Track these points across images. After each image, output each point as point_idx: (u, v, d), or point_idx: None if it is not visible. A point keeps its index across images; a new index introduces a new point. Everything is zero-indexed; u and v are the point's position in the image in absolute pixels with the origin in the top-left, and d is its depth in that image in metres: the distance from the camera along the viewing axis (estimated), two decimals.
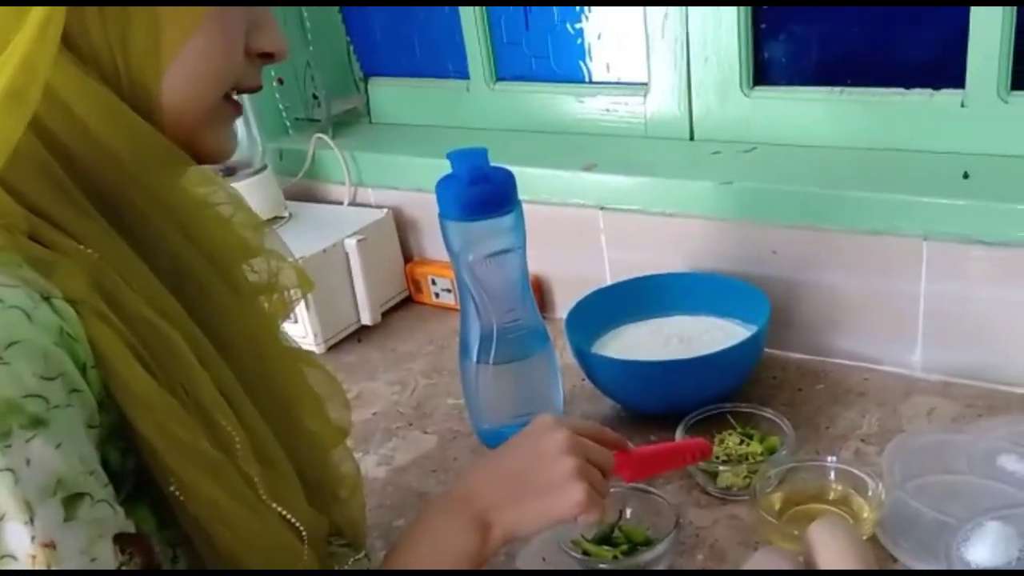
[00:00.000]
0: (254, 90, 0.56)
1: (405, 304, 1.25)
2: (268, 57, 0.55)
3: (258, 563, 0.52)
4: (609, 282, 1.07)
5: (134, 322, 0.48)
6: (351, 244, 1.14)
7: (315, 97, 1.28)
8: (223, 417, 0.51)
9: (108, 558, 0.45)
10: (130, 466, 0.49)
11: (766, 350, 0.98)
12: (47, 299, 0.45)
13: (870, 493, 0.74)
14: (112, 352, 0.46)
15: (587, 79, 1.18)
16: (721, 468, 0.80)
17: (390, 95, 1.33)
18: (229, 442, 0.51)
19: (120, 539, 0.46)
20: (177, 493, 0.48)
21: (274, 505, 0.54)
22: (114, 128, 0.48)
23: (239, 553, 0.51)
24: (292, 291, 0.67)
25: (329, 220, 1.21)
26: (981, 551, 0.67)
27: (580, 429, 0.64)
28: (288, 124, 1.34)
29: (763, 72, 1.06)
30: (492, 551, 0.60)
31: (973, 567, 0.66)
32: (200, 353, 0.52)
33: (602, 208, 1.07)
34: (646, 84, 1.12)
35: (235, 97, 0.55)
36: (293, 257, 0.68)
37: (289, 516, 0.55)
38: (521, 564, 0.77)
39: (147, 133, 0.50)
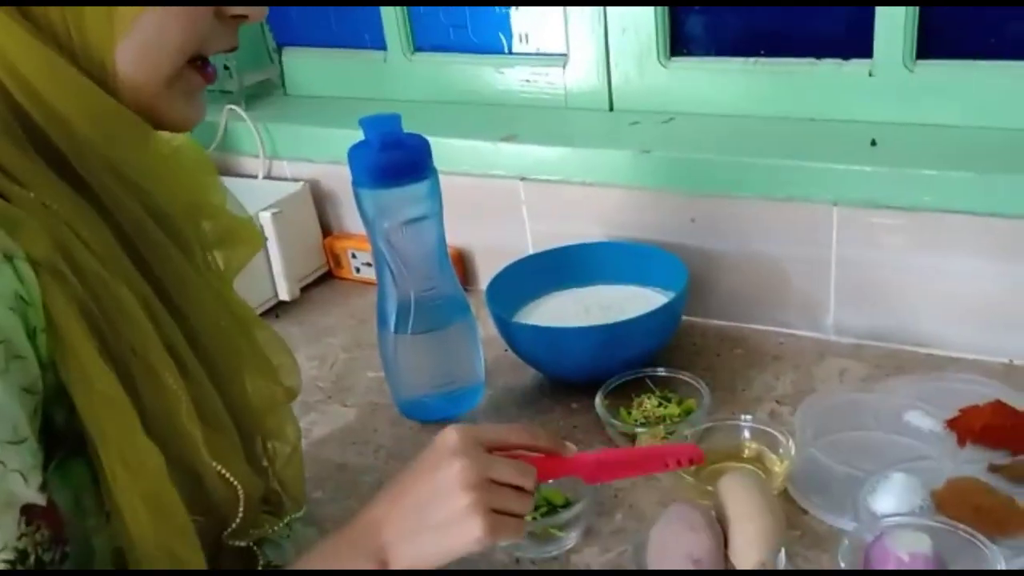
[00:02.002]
0: (229, 51, 0.56)
1: (325, 279, 1.23)
2: (242, 18, 0.54)
3: (181, 523, 0.53)
4: (531, 252, 1.07)
5: (89, 281, 0.49)
6: (266, 217, 1.11)
7: (226, 68, 1.24)
8: (171, 377, 0.53)
9: (10, 529, 0.45)
10: (76, 424, 0.49)
11: (687, 318, 0.99)
12: (10, 259, 0.45)
13: (781, 449, 0.75)
14: (63, 318, 0.47)
15: (506, 50, 1.17)
16: (639, 430, 0.81)
17: (305, 66, 1.30)
18: (176, 402, 0.53)
19: (28, 510, 0.46)
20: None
21: (215, 464, 0.56)
22: (63, 92, 0.49)
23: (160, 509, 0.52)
24: (244, 247, 0.69)
25: (243, 193, 1.13)
26: (887, 501, 0.69)
27: (498, 438, 0.59)
28: None
29: (680, 43, 1.07)
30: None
31: (879, 516, 0.67)
32: (152, 313, 0.53)
33: (522, 179, 1.07)
34: (565, 55, 1.12)
35: (209, 66, 0.55)
36: (247, 213, 0.70)
37: (229, 476, 0.57)
38: None
39: (102, 100, 0.50)
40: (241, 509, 0.59)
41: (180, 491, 0.52)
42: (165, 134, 0.58)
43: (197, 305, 0.59)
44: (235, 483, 0.58)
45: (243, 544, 0.61)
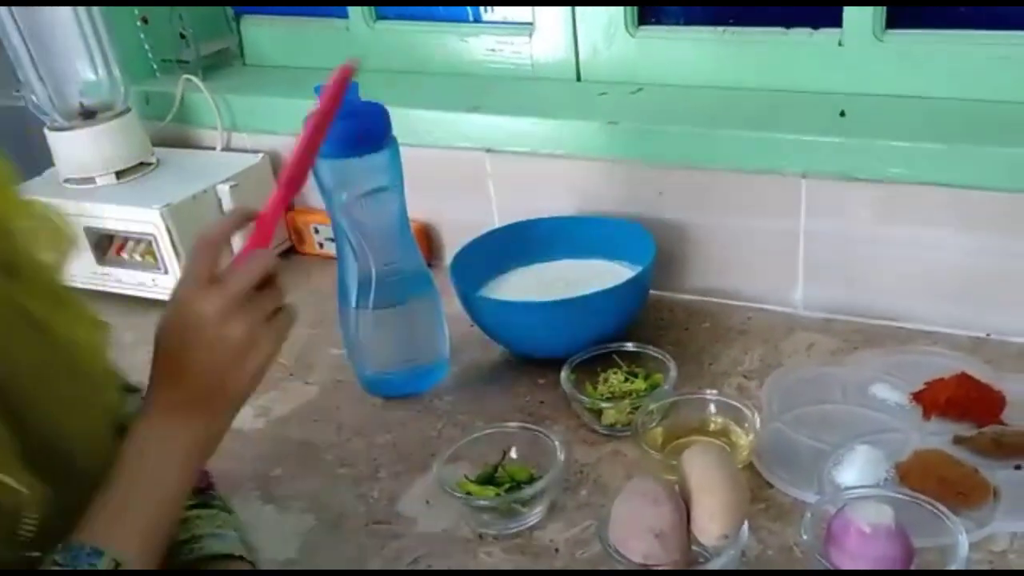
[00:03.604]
0: None
1: (287, 255, 1.20)
2: None
3: None
4: (498, 226, 1.05)
5: None
6: (224, 190, 1.08)
7: (183, 37, 1.20)
8: None
9: None
10: None
11: (655, 292, 0.98)
12: None
13: (747, 423, 0.74)
14: None
15: (471, 18, 1.14)
16: (605, 405, 0.80)
17: (264, 35, 1.26)
18: None
19: None
20: None
21: None
22: None
23: None
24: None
25: (200, 166, 1.14)
26: (851, 473, 0.69)
27: (211, 258, 0.58)
28: (155, 66, 1.25)
29: (648, 12, 1.05)
30: (223, 428, 0.58)
31: (843, 488, 0.67)
32: None
33: (488, 151, 1.05)
34: (531, 24, 1.09)
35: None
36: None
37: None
38: (403, 509, 0.75)
39: None
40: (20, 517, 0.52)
41: None
42: None
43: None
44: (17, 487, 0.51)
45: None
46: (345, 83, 0.65)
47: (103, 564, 0.51)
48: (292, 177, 0.63)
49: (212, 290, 0.57)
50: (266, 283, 0.59)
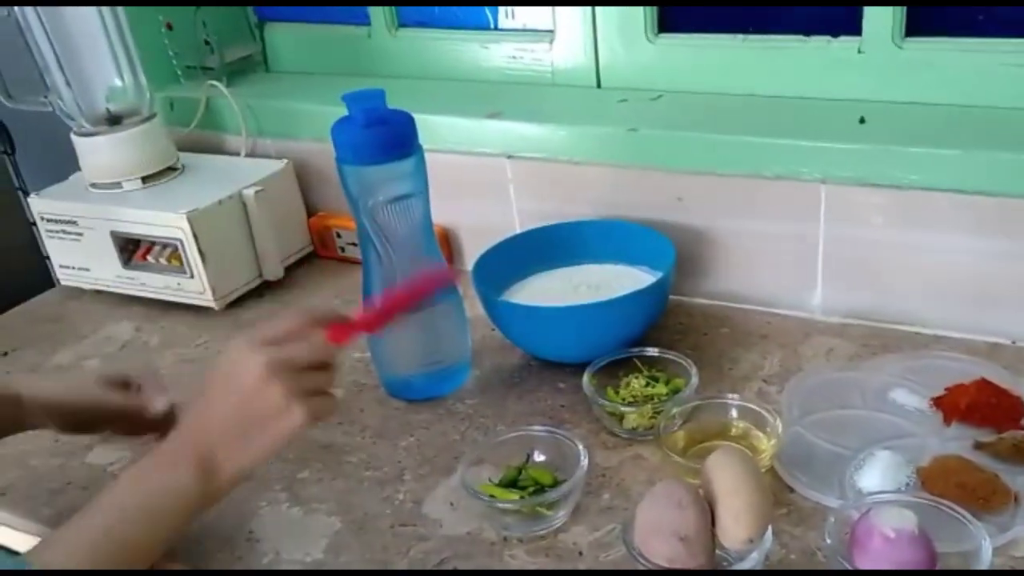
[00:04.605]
0: None
1: (309, 259, 1.21)
2: None
3: None
4: (518, 231, 1.06)
5: None
6: (249, 195, 1.09)
7: (207, 43, 1.22)
8: None
9: None
10: None
11: (674, 297, 0.99)
12: None
13: (768, 428, 0.75)
14: None
15: (492, 25, 1.15)
16: (626, 410, 0.81)
17: (288, 42, 1.28)
18: None
19: None
20: None
21: None
22: None
23: None
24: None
25: (225, 171, 1.16)
26: (873, 478, 0.69)
27: (280, 335, 0.62)
28: (179, 72, 1.27)
29: (668, 19, 1.06)
30: (224, 489, 0.61)
31: (865, 493, 0.68)
32: None
33: (509, 156, 1.06)
34: (552, 31, 1.10)
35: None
36: None
37: None
38: (428, 511, 0.76)
39: None
40: None
41: None
42: None
43: None
44: None
45: None
46: (441, 284, 0.74)
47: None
48: (377, 320, 0.69)
49: (268, 350, 0.60)
50: (321, 368, 0.62)
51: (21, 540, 0.81)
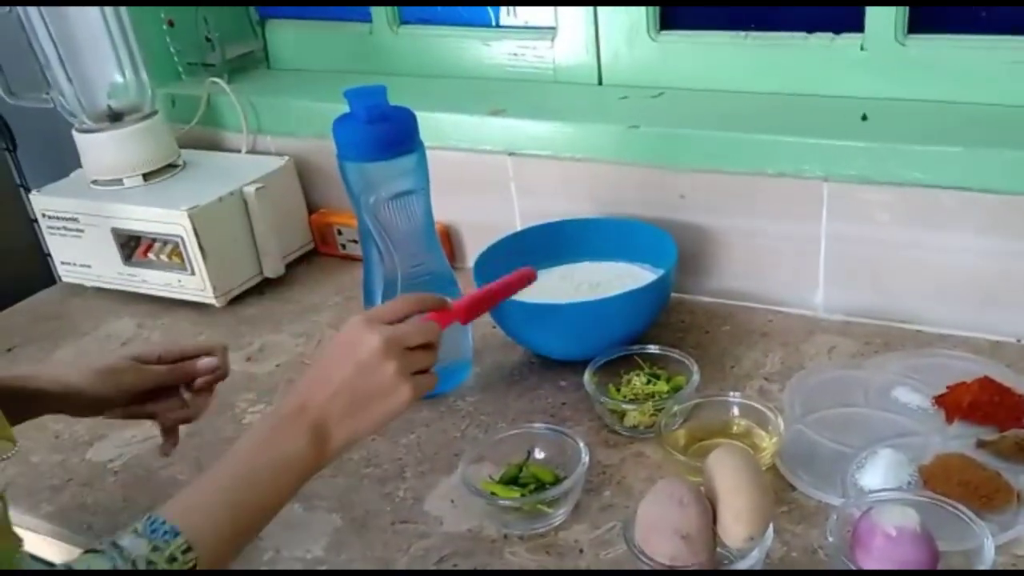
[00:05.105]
0: None
1: (310, 256, 1.21)
2: None
3: None
4: (519, 228, 1.06)
5: None
6: (250, 192, 1.09)
7: (208, 40, 1.22)
8: None
9: None
10: None
11: (676, 295, 0.99)
12: None
13: (770, 426, 0.75)
14: None
15: (493, 23, 1.15)
16: (628, 407, 0.80)
17: (289, 39, 1.28)
18: None
19: None
20: None
21: None
22: None
23: None
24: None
25: (226, 168, 1.16)
26: (874, 477, 0.69)
27: (395, 313, 0.66)
28: (180, 69, 1.27)
29: (670, 17, 1.05)
30: (331, 458, 0.63)
31: (867, 491, 0.67)
32: None
33: (510, 154, 1.06)
34: (554, 28, 1.10)
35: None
36: None
37: None
38: (429, 509, 0.76)
39: None
40: None
41: None
42: None
43: None
44: None
45: None
46: (522, 284, 0.79)
47: (173, 547, 0.54)
48: (471, 309, 0.74)
49: (384, 328, 0.64)
50: (426, 347, 0.66)
51: (20, 538, 0.81)
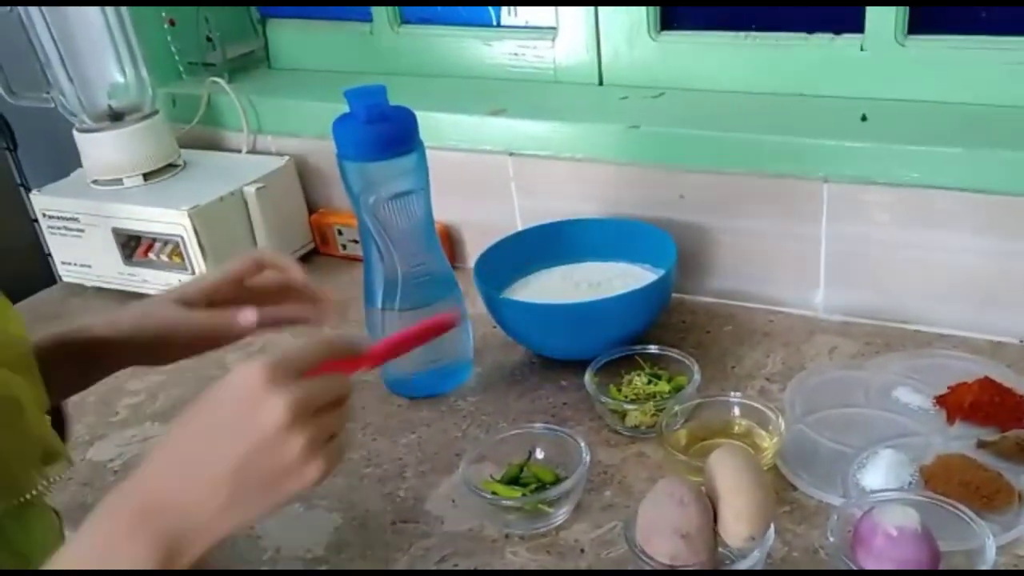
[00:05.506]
0: None
1: (311, 256, 1.21)
2: None
3: None
4: (520, 228, 1.06)
5: None
6: (250, 192, 1.09)
7: (209, 40, 1.22)
8: None
9: None
10: None
11: (676, 295, 0.99)
12: None
13: (771, 426, 0.75)
14: None
15: (494, 22, 1.15)
16: (629, 407, 0.81)
17: (290, 38, 1.28)
18: None
19: None
20: None
21: None
22: None
23: None
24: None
25: (227, 168, 1.16)
26: (875, 477, 0.69)
27: (304, 361, 0.50)
28: (181, 68, 1.27)
29: (670, 17, 1.06)
30: (187, 567, 0.47)
31: (868, 491, 0.67)
32: None
33: (511, 154, 1.06)
34: (554, 28, 1.10)
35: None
36: None
37: None
38: (429, 508, 0.76)
39: None
40: None
41: None
42: None
43: None
44: None
45: None
46: (441, 330, 0.64)
47: None
48: (385, 355, 0.60)
49: (290, 389, 0.47)
50: (336, 405, 0.50)
51: None
